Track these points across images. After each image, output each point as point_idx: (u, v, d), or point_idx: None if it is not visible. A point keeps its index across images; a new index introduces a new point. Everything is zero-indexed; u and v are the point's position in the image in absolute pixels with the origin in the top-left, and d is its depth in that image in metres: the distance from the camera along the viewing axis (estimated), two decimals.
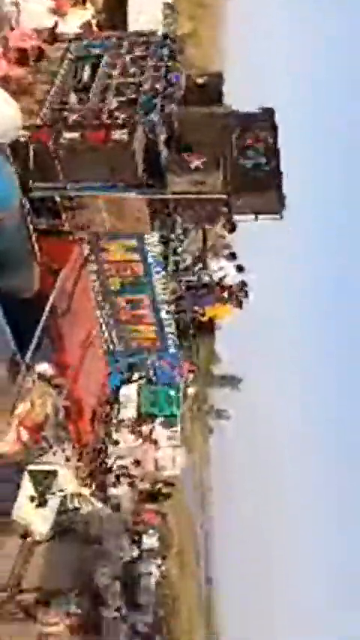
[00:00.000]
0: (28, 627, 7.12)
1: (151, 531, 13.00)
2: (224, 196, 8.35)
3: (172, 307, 10.73)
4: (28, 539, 7.18)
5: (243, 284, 11.47)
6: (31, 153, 7.26)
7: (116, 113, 7.85)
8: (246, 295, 11.39)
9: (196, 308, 11.28)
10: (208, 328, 11.74)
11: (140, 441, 11.50)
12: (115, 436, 9.28)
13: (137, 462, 11.71)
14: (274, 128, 8.51)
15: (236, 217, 9.10)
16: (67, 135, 7.53)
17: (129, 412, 12.33)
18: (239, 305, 11.21)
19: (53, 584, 8.25)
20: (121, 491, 10.46)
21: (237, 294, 11.28)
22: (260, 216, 8.68)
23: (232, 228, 11.07)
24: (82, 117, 7.74)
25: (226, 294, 11.23)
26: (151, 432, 13.09)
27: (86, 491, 8.08)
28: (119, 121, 7.82)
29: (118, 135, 7.62)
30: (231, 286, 11.37)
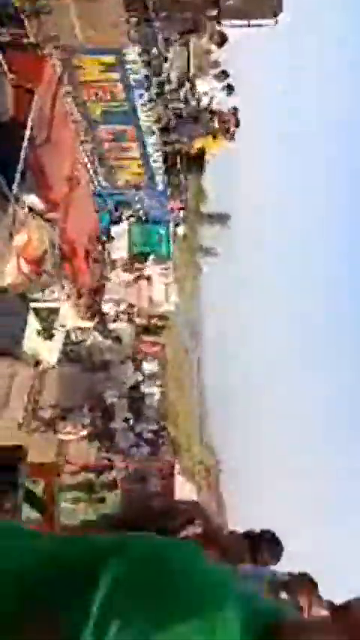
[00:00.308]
0: (49, 437, 8.23)
1: (150, 358, 14.12)
2: None
3: (159, 139, 10.02)
4: (40, 367, 7.83)
5: (234, 110, 10.55)
6: None
7: None
8: (237, 124, 10.56)
9: (184, 140, 10.53)
10: (196, 164, 11.12)
11: (133, 276, 11.77)
12: (110, 275, 9.47)
13: (132, 306, 12.17)
14: None
15: (226, 24, 7.98)
16: None
17: (120, 251, 12.40)
18: (231, 137, 10.45)
19: (68, 403, 9.27)
20: (120, 326, 11.11)
21: (228, 123, 10.44)
22: (253, 23, 7.60)
23: (222, 41, 9.80)
24: None
25: (216, 123, 10.39)
26: (143, 269, 13.36)
27: (88, 325, 8.55)
28: None
29: None
30: (222, 113, 10.46)
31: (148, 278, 13.28)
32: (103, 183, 10.68)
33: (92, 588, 0.81)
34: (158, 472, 11.15)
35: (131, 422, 11.39)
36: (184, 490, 10.89)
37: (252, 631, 0.82)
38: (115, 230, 11.46)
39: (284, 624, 0.85)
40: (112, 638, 0.78)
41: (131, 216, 12.10)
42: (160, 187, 11.31)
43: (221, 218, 34.24)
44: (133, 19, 7.85)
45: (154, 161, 10.53)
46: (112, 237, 10.98)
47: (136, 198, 11.80)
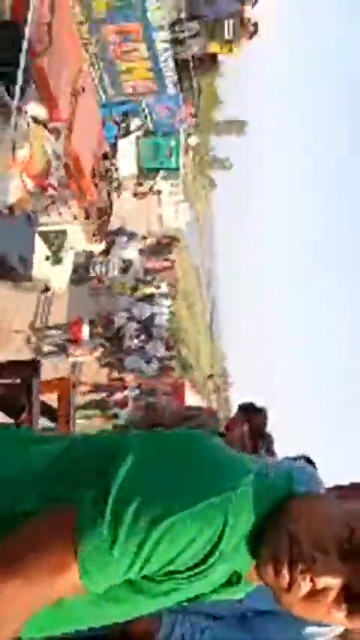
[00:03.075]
0: (61, 360, 8.43)
1: (159, 278, 14.07)
2: None
3: (169, 36, 9.09)
4: (49, 293, 7.82)
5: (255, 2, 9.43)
6: None
7: None
8: (255, 30, 9.44)
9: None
10: (210, 64, 10.18)
11: (141, 201, 11.33)
12: (115, 201, 9.08)
13: (144, 237, 11.79)
14: None
15: None
16: None
17: (130, 170, 11.82)
18: (250, 35, 9.42)
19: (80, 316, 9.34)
20: (130, 255, 10.89)
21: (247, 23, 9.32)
22: None
23: None
24: None
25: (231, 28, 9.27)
26: (152, 188, 12.80)
27: (97, 247, 8.39)
28: None
29: None
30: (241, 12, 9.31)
31: (159, 192, 12.80)
32: (110, 91, 9.91)
33: (114, 467, 0.85)
34: (169, 388, 11.59)
35: (141, 342, 11.58)
36: (193, 402, 11.38)
37: (265, 504, 0.87)
38: (122, 144, 10.84)
39: (294, 498, 0.89)
40: (132, 513, 0.81)
41: (140, 127, 11.40)
42: (171, 92, 10.49)
43: (237, 125, 32.09)
44: None
45: (164, 62, 9.66)
46: (119, 154, 10.40)
47: (145, 107, 11.04)
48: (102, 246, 8.39)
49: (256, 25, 9.25)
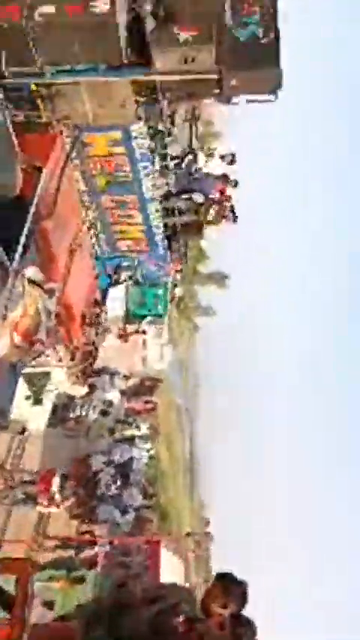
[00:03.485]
0: (29, 510, 7.86)
1: (140, 420, 13.86)
2: (216, 76, 7.61)
3: (160, 206, 10.35)
4: (26, 433, 7.63)
5: (235, 182, 10.93)
6: (2, 32, 6.38)
7: None
8: (233, 213, 10.84)
9: (194, 196, 10.72)
10: (196, 230, 11.42)
11: (126, 343, 11.75)
12: (101, 343, 9.46)
13: (127, 377, 12.09)
14: None
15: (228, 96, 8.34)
16: (42, 9, 6.57)
17: (117, 313, 12.48)
18: (234, 219, 10.78)
19: (52, 467, 8.93)
20: (112, 396, 10.94)
21: (224, 209, 10.75)
22: (254, 97, 7.99)
23: (227, 101, 10.02)
24: None
25: (212, 212, 10.69)
26: (137, 331, 13.38)
27: (79, 390, 8.43)
28: None
29: (99, 6, 6.68)
30: (221, 200, 10.73)
31: (144, 341, 13.32)
32: (105, 248, 10.91)
33: None
34: (143, 547, 10.59)
35: (117, 489, 10.95)
36: (170, 566, 10.30)
37: None
38: (112, 292, 11.59)
39: None
40: None
41: (130, 277, 12.29)
42: (160, 251, 11.54)
43: (219, 277, 34.92)
44: (141, 99, 8.26)
45: (155, 227, 10.82)
46: (109, 301, 11.05)
47: (136, 262, 12.02)
48: (84, 389, 8.45)
49: (233, 212, 10.62)
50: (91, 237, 9.97)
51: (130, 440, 12.88)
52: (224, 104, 8.02)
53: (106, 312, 11.24)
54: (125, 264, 11.70)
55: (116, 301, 12.22)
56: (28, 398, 6.70)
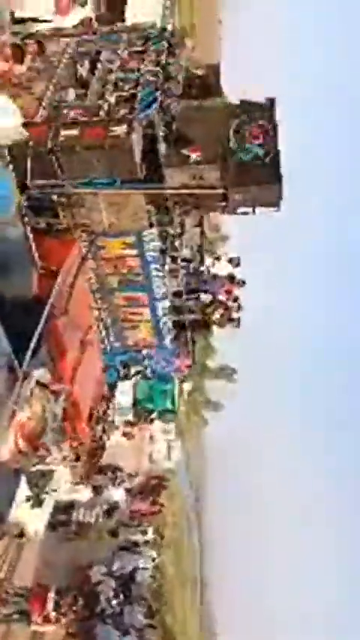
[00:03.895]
0: (22, 627, 7.16)
1: (146, 524, 13.10)
2: (222, 190, 8.28)
3: (170, 304, 10.71)
4: (24, 538, 7.20)
5: (243, 282, 11.38)
6: (29, 150, 7.15)
7: (115, 109, 7.73)
8: (239, 308, 11.30)
9: (202, 296, 11.12)
10: (203, 326, 11.71)
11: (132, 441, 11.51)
12: (108, 441, 9.29)
13: (132, 476, 11.72)
14: (273, 119, 8.41)
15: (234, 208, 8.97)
16: (66, 132, 7.41)
17: (125, 407, 12.36)
18: (237, 323, 11.16)
19: (48, 581, 8.30)
20: (117, 495, 10.48)
21: (230, 310, 11.17)
22: (258, 209, 8.60)
23: (233, 212, 10.70)
24: (80, 114, 7.63)
25: (217, 314, 11.12)
26: (146, 420, 13.10)
27: (82, 494, 8.10)
28: (118, 117, 7.71)
29: (117, 131, 7.52)
30: (226, 306, 11.17)
31: (151, 436, 13.05)
32: (114, 343, 11.11)
33: None
34: None
35: (118, 604, 10.00)
36: None
37: None
38: (121, 386, 11.59)
39: None
40: None
41: (138, 372, 12.35)
42: (169, 346, 11.70)
43: (227, 372, 34.86)
44: (153, 209, 8.92)
45: (164, 324, 11.09)
46: (118, 396, 11.02)
47: (145, 356, 12.14)
48: (88, 493, 8.11)
49: (238, 319, 11.05)
50: (101, 333, 10.20)
51: (135, 546, 12.07)
52: (230, 214, 8.63)
53: (114, 407, 11.15)
54: (134, 358, 11.85)
55: (124, 396, 12.19)
56: (28, 499, 6.43)
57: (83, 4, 9.55)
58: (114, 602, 9.88)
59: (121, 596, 10.24)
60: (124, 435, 10.93)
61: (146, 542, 12.63)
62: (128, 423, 11.36)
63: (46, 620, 7.36)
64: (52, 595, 7.82)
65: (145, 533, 12.68)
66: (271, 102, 8.48)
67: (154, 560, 12.33)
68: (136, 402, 12.97)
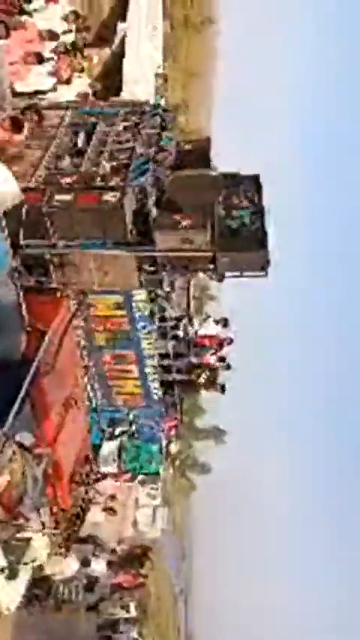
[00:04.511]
0: None
1: (128, 598, 12.31)
2: (210, 254, 8.55)
3: (157, 363, 10.70)
4: None
5: (230, 340, 11.47)
6: (23, 213, 7.40)
7: (109, 177, 8.10)
8: (228, 367, 11.37)
9: (190, 358, 11.14)
10: (191, 386, 11.66)
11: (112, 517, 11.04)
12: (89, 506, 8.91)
13: (114, 551, 11.21)
14: (259, 190, 8.87)
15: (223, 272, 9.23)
16: (60, 197, 7.72)
17: (108, 460, 11.94)
18: (222, 389, 11.22)
19: None
20: (99, 568, 9.92)
21: (216, 372, 11.22)
22: (246, 274, 8.87)
23: (221, 279, 11.05)
24: (74, 180, 7.98)
25: (206, 375, 11.17)
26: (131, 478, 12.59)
27: (60, 560, 7.66)
28: (111, 184, 8.07)
29: (110, 197, 7.84)
30: (213, 367, 11.25)
31: (136, 500, 12.53)
32: (100, 401, 10.97)
33: None
34: None
35: None
36: None
37: None
38: (105, 447, 11.29)
39: None
40: None
41: (124, 432, 12.09)
42: (156, 406, 11.57)
43: (216, 433, 34.17)
44: (143, 271, 9.13)
45: (152, 382, 11.03)
46: (101, 458, 10.71)
47: (131, 416, 11.95)
48: (75, 565, 7.67)
49: (223, 386, 11.10)
50: (86, 391, 10.10)
51: (115, 625, 11.25)
52: (218, 282, 8.88)
53: (98, 467, 10.81)
54: (120, 418, 11.64)
55: (109, 457, 11.84)
56: (2, 570, 6.04)
57: (81, 71, 10.25)
58: None
59: None
60: (105, 510, 10.48)
61: (127, 620, 11.79)
62: (110, 497, 10.92)
63: None
64: None
65: (126, 608, 11.87)
66: (257, 177, 9.00)
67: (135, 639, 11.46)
68: (121, 464, 12.59)
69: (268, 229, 8.57)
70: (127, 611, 11.78)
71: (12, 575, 6.05)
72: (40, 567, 7.69)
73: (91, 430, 10.94)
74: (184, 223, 8.37)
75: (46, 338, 5.47)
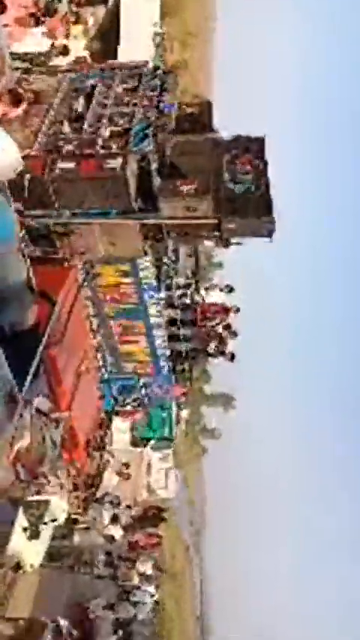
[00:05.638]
0: None
1: (144, 557, 12.80)
2: (215, 221, 8.47)
3: (166, 331, 10.78)
4: (20, 570, 7.03)
5: (237, 309, 11.47)
6: (26, 182, 7.34)
7: (109, 143, 7.97)
8: (235, 335, 11.39)
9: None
10: (200, 354, 11.75)
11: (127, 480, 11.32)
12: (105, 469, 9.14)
13: (129, 507, 11.56)
14: (263, 155, 8.68)
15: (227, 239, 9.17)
16: (62, 165, 7.63)
17: (122, 438, 12.27)
18: (231, 359, 11.26)
19: (46, 615, 8.05)
20: (115, 531, 10.28)
21: (224, 343, 11.24)
22: (251, 239, 8.80)
23: (227, 244, 11.02)
24: (76, 147, 7.86)
25: (215, 344, 11.19)
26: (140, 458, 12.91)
27: (80, 518, 7.96)
28: (113, 151, 7.95)
29: (112, 164, 7.74)
30: (221, 336, 11.26)
31: (149, 465, 12.88)
32: (111, 370, 11.13)
33: None
34: None
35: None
36: None
37: None
38: (118, 424, 11.50)
39: None
40: None
41: (134, 400, 12.31)
42: (165, 373, 11.71)
43: (225, 399, 34.58)
44: (148, 238, 9.09)
45: (161, 351, 11.13)
46: (114, 426, 10.94)
47: (142, 383, 12.14)
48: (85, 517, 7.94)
49: (232, 354, 11.12)
50: (97, 360, 10.23)
51: (134, 589, 11.75)
52: (224, 248, 8.82)
53: (110, 443, 11.06)
54: (131, 386, 11.83)
55: (121, 426, 12.12)
56: (24, 530, 6.31)
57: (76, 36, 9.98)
58: (113, 638, 9.58)
59: (120, 632, 9.93)
60: (119, 474, 10.76)
61: (145, 578, 12.30)
62: (124, 465, 11.22)
63: None
64: (48, 635, 7.58)
65: (142, 574, 12.37)
66: (261, 140, 8.79)
67: (152, 596, 11.99)
68: (133, 432, 12.88)
69: (273, 193, 8.45)
70: (144, 569, 12.26)
71: (34, 534, 6.33)
72: (65, 529, 8.03)
73: (103, 399, 11.14)
74: (187, 190, 8.27)
75: (56, 307, 5.55)
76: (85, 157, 7.76)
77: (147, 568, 12.19)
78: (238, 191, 8.55)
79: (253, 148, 8.79)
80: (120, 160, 7.80)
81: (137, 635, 10.38)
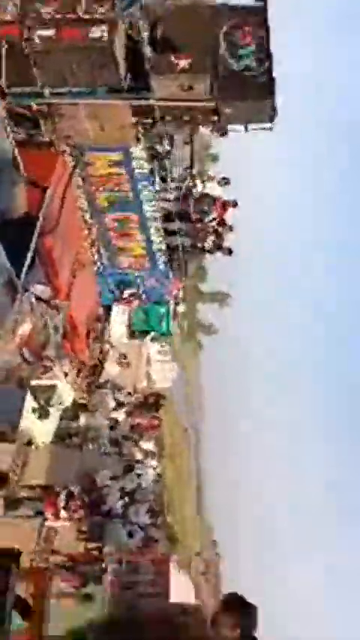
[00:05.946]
0: (37, 524, 7.81)
1: (146, 437, 13.83)
2: (213, 104, 7.85)
3: (161, 225, 10.55)
4: (32, 446, 7.66)
5: (234, 203, 11.12)
6: (3, 52, 6.65)
7: (94, 6, 7.10)
8: (230, 229, 11.11)
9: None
10: (196, 250, 11.62)
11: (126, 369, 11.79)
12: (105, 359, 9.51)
13: (131, 394, 12.17)
14: (266, 25, 7.77)
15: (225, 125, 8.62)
16: (41, 32, 6.86)
17: (120, 332, 12.59)
18: (229, 253, 11.04)
19: (57, 482, 8.90)
20: (118, 414, 10.96)
21: (221, 237, 10.97)
22: (250, 126, 8.24)
23: (224, 133, 10.38)
24: (56, 10, 7.01)
25: (212, 237, 10.91)
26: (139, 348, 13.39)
27: (84, 403, 8.49)
28: (97, 16, 7.11)
29: (97, 32, 6.97)
30: (218, 232, 10.94)
31: (148, 357, 13.38)
32: (107, 265, 11.09)
33: None
34: (152, 566, 10.45)
35: (124, 506, 10.88)
36: (179, 585, 10.09)
37: None
38: (115, 310, 11.72)
39: None
40: None
41: (132, 295, 12.44)
42: (162, 268, 11.71)
43: (221, 297, 34.98)
44: (140, 122, 8.50)
45: (156, 244, 11.02)
46: (112, 318, 11.17)
47: (138, 278, 12.20)
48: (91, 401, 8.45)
49: (229, 249, 10.91)
50: (93, 255, 10.15)
51: (137, 463, 12.83)
52: (221, 136, 8.26)
53: (110, 330, 11.34)
54: (127, 280, 11.88)
55: (119, 319, 12.36)
56: (34, 411, 6.76)
57: None
58: (119, 503, 10.74)
59: (127, 498, 11.11)
60: (119, 364, 11.21)
61: (147, 453, 13.41)
62: (121, 355, 11.62)
63: (59, 518, 8.03)
64: (62, 497, 8.42)
65: (145, 445, 13.42)
66: (263, 7, 7.78)
67: (154, 468, 13.18)
68: (131, 326, 13.18)
69: (275, 73, 7.70)
70: (146, 446, 13.34)
71: (44, 414, 6.79)
72: (73, 412, 8.62)
73: (101, 292, 11.25)
74: (182, 64, 7.53)
75: (47, 194, 5.34)
76: (67, 24, 6.95)
77: (149, 446, 13.26)
78: (237, 67, 7.78)
79: (254, 16, 7.84)
80: (106, 27, 7.00)
81: (142, 500, 11.62)
